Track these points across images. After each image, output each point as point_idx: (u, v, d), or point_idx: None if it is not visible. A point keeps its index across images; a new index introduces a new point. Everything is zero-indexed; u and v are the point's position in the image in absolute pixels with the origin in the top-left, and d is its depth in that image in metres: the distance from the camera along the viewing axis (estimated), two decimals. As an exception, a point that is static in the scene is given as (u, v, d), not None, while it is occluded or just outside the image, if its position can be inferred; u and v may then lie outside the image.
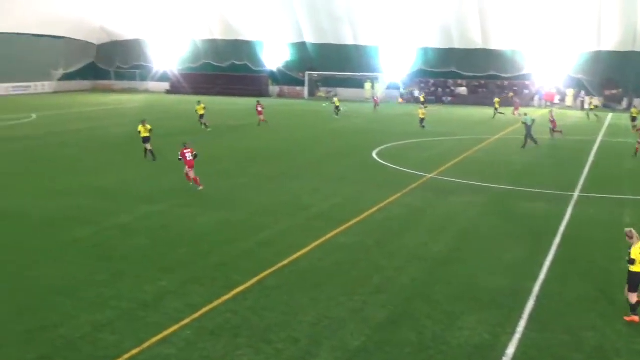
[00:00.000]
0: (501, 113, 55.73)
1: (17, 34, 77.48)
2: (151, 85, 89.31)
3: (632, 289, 12.11)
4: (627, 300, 12.28)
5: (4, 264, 15.40)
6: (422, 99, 66.16)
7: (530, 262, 15.92)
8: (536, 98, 70.64)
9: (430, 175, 26.83)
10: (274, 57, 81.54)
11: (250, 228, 18.64)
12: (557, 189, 24.64)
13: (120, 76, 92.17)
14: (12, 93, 79.12)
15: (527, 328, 12.17)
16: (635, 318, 12.19)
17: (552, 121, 39.95)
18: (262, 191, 23.51)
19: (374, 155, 32.20)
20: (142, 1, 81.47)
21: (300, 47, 79.58)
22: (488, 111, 60.50)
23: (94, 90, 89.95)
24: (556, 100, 69.32)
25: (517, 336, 11.82)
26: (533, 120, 36.42)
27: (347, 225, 19.06)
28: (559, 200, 22.77)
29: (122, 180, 25.61)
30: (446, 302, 13.31)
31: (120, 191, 23.43)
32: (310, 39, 77.87)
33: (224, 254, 16.29)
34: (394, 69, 75.38)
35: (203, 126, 43.67)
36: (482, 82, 73.43)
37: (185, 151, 24.49)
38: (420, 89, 73.91)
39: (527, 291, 13.92)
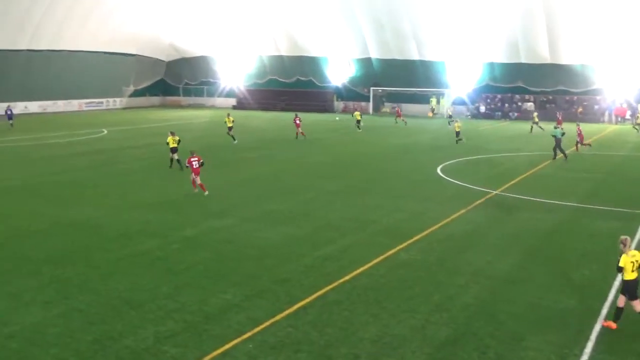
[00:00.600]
0: (541, 128, 54.66)
1: (91, 52, 79.85)
2: (218, 101, 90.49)
3: (632, 297, 12.10)
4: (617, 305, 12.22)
5: (78, 274, 15.77)
6: (449, 113, 67.19)
7: (599, 282, 15.38)
8: (606, 114, 68.47)
9: (496, 192, 26.26)
10: (338, 72, 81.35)
11: (314, 243, 18.50)
12: (627, 206, 23.80)
13: (188, 92, 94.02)
14: (85, 109, 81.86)
15: (594, 350, 11.75)
16: (613, 325, 12.15)
17: (580, 134, 40.29)
18: (327, 206, 23.24)
19: (439, 170, 31.72)
20: (210, 19, 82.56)
21: (365, 62, 79.10)
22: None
23: (162, 106, 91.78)
24: (627, 115, 67.07)
25: (584, 358, 11.45)
26: (563, 134, 36.30)
27: (410, 241, 18.80)
28: (630, 218, 21.98)
29: (189, 193, 25.72)
30: (511, 322, 12.94)
31: (187, 205, 23.55)
32: (375, 54, 77.43)
33: (287, 268, 16.24)
34: (459, 84, 74.20)
35: (231, 138, 44.36)
36: (550, 97, 71.63)
37: (192, 159, 25.41)
38: (477, 104, 72.36)
39: (595, 312, 13.45)
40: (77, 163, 34.68)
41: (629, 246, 12.02)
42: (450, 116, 65.52)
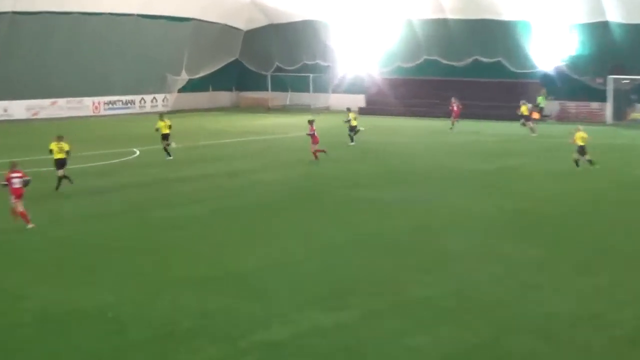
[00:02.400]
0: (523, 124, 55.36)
1: (116, 14, 71.24)
2: (333, 99, 77.97)
3: None
4: None
5: None
6: (535, 116, 58.21)
7: None
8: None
9: None
10: (549, 49, 66.87)
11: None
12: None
13: (280, 84, 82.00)
14: (104, 113, 74.79)
15: None
16: None
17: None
18: (523, 294, 19.66)
19: None
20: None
21: (599, 31, 64.48)
22: None
23: (236, 108, 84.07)
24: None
25: None
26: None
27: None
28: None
29: (268, 260, 22.79)
30: None
31: (271, 281, 20.64)
32: (616, 17, 63.47)
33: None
34: None
35: (165, 153, 44.18)
36: None
37: (12, 176, 25.45)
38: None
39: None
40: (88, 208, 31.91)
41: None
42: None
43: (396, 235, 26.81)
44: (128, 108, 75.86)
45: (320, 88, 78.47)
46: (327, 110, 76.46)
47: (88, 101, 73.49)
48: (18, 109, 68.42)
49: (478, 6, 67.01)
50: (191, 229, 28.02)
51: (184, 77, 79.61)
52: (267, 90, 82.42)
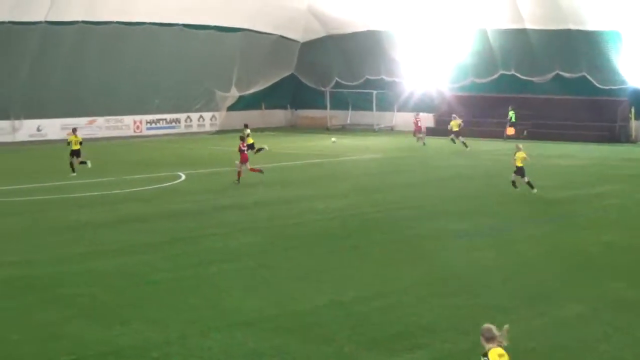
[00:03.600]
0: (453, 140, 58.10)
1: (160, 24, 70.48)
2: (399, 119, 76.85)
3: None
4: None
5: None
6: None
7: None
8: None
9: None
10: None
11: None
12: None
13: (340, 101, 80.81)
14: (146, 133, 73.59)
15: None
16: None
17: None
18: None
19: None
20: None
21: None
22: None
23: (292, 127, 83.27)
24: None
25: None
26: None
27: None
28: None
29: (329, 301, 22.03)
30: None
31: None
32: None
33: None
34: None
35: (72, 170, 46.27)
36: None
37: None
38: None
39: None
40: (130, 237, 31.36)
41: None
42: None
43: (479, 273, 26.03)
44: (173, 127, 74.74)
45: (385, 105, 77.02)
46: (391, 130, 75.99)
47: (129, 120, 72.51)
48: (52, 128, 67.43)
49: (560, 15, 64.87)
50: (244, 262, 27.15)
51: (233, 94, 78.44)
52: (325, 108, 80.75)
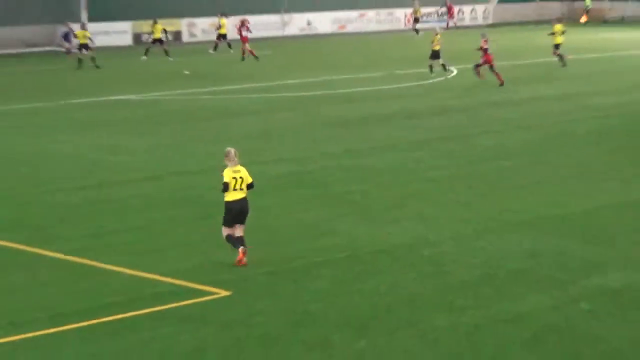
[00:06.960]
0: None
1: None
2: None
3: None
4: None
5: None
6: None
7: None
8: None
9: None
10: None
11: None
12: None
13: None
14: (418, 27, 69.84)
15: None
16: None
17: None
18: None
19: None
20: None
21: None
22: None
23: (570, 20, 76.31)
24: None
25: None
26: None
27: None
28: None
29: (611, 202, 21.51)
30: None
31: None
32: None
33: None
34: None
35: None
36: None
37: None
38: None
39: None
40: (402, 133, 31.41)
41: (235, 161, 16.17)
42: None
43: None
44: (444, 20, 72.69)
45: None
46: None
47: (400, 13, 71.80)
48: (323, 21, 67.46)
49: None
50: (519, 160, 26.92)
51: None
52: (603, -1, 77.12)
